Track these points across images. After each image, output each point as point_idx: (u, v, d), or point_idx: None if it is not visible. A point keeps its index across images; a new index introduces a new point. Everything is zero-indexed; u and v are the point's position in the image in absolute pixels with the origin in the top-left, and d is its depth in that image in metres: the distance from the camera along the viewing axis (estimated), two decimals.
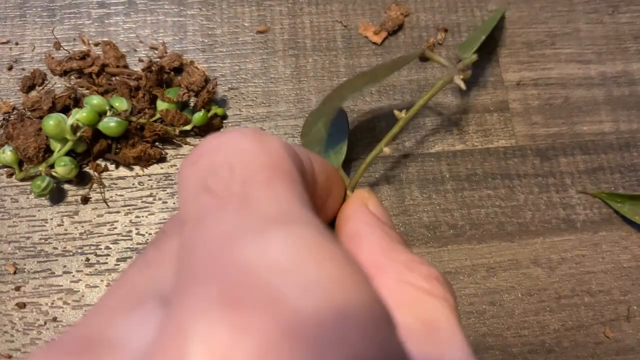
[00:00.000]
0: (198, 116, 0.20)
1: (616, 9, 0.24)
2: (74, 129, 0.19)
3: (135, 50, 0.22)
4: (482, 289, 0.20)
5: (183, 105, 0.21)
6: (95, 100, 0.19)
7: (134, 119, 0.20)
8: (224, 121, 0.21)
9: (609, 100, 0.23)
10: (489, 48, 0.23)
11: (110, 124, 0.19)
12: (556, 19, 0.24)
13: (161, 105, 0.20)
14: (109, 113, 0.20)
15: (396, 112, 0.17)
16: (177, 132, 0.20)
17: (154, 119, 0.20)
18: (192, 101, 0.21)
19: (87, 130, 0.19)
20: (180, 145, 0.21)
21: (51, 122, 0.19)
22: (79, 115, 0.19)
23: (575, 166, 0.22)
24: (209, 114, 0.20)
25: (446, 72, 0.18)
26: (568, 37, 0.23)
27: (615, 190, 0.22)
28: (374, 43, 0.22)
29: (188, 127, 0.20)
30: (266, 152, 0.10)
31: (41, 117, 0.20)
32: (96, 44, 0.22)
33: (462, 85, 0.18)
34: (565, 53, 0.23)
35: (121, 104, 0.20)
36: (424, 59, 0.22)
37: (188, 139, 0.21)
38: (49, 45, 0.22)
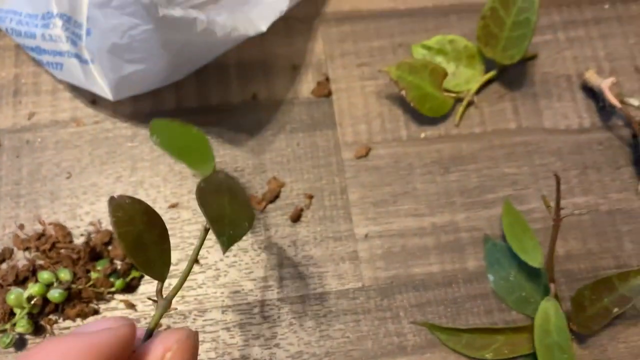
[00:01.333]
0: (119, 283, 0.28)
1: (447, 170, 0.31)
2: (29, 299, 0.27)
3: (78, 227, 0.29)
4: None
5: (111, 271, 0.28)
6: (45, 275, 0.27)
7: (74, 286, 0.27)
8: (141, 280, 0.29)
9: (437, 245, 0.30)
10: (345, 207, 0.30)
11: (55, 295, 0.27)
12: (398, 181, 0.31)
13: (94, 274, 0.28)
14: (55, 284, 0.27)
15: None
16: (105, 293, 0.28)
17: (89, 284, 0.28)
18: (119, 264, 0.28)
19: (39, 299, 0.27)
20: (109, 301, 0.28)
21: (12, 297, 0.26)
22: (32, 290, 0.27)
23: (408, 301, 0.29)
24: (128, 279, 0.28)
25: None
26: (407, 195, 0.30)
27: (439, 319, 0.28)
28: (257, 210, 0.30)
29: (113, 289, 0.28)
30: None
31: (9, 286, 0.28)
32: (50, 223, 0.29)
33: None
34: (405, 209, 0.30)
35: (65, 275, 0.27)
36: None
37: (115, 296, 0.28)
38: (15, 225, 0.29)
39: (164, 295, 0.19)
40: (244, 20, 0.27)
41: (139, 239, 0.18)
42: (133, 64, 0.26)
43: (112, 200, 0.18)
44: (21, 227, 0.29)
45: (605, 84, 0.31)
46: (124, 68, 0.26)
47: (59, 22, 0.28)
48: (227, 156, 0.31)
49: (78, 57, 0.29)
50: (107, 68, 0.27)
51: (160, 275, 0.20)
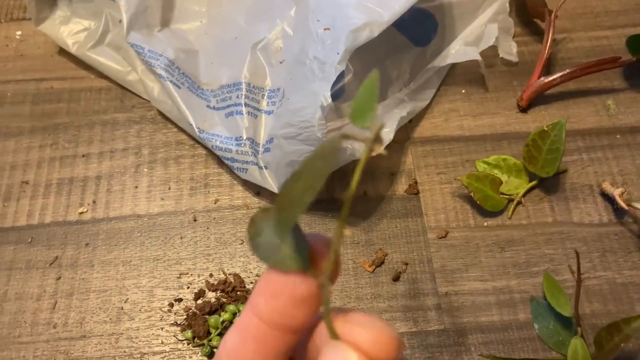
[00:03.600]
0: None
1: (503, 249, 0.44)
2: (222, 322, 0.40)
3: (249, 277, 0.43)
4: None
5: None
6: (231, 307, 0.41)
7: None
8: None
9: (497, 302, 0.42)
10: (430, 272, 0.43)
11: None
12: (469, 256, 0.44)
13: None
14: (237, 314, 0.41)
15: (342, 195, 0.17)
16: None
17: None
18: None
19: (227, 323, 0.40)
20: None
21: (212, 320, 0.40)
22: (224, 316, 0.40)
23: (477, 340, 0.40)
24: None
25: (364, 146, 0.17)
26: (475, 266, 0.43)
27: (499, 353, 0.40)
28: (368, 272, 0.43)
29: None
30: None
31: (204, 315, 0.41)
32: (230, 274, 0.43)
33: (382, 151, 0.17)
34: (474, 275, 0.43)
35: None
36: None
37: None
38: (206, 274, 0.44)
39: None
40: None
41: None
42: None
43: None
44: (210, 275, 0.44)
45: (616, 192, 0.44)
46: None
47: (247, 142, 0.44)
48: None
49: (257, 164, 0.44)
50: (281, 175, 0.42)
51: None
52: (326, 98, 0.37)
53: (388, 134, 0.44)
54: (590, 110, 0.50)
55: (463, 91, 0.52)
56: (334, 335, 0.17)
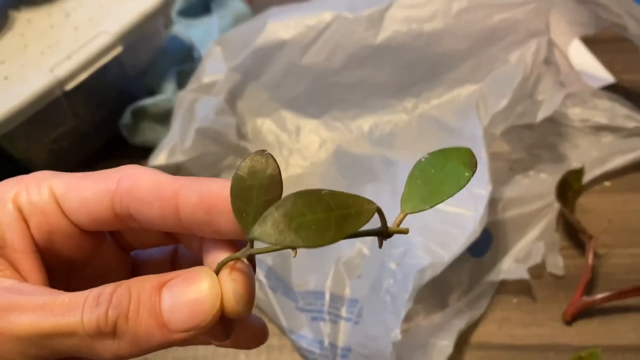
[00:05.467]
0: None
1: None
2: None
3: None
4: None
5: None
6: None
7: None
8: None
9: None
10: None
11: None
12: None
13: None
14: None
15: None
16: None
17: None
18: None
19: None
20: None
21: None
22: None
23: None
24: None
25: None
26: None
27: None
28: None
29: None
30: None
31: None
32: None
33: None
34: None
35: None
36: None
37: None
38: None
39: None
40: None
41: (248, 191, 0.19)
42: None
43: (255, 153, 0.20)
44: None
45: None
46: None
47: (328, 347, 0.54)
48: None
49: None
50: None
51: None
52: (397, 335, 0.46)
53: (447, 348, 0.53)
54: (630, 327, 0.56)
55: (514, 301, 0.59)
56: (217, 268, 0.18)
